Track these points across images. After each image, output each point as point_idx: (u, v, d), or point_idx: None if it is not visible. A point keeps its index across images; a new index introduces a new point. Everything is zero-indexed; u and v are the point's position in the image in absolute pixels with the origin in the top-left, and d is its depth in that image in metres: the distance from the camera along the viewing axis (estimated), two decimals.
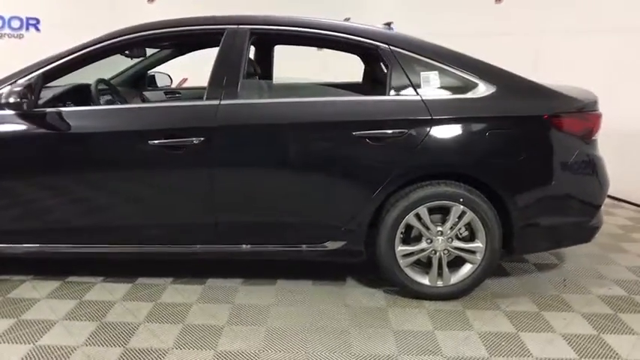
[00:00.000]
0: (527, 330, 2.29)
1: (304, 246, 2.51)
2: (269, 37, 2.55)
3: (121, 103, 2.89)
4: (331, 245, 2.49)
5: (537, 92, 2.46)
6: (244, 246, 2.51)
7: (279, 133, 2.38)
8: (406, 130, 2.33)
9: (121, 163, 2.39)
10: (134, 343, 2.12)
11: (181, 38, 2.90)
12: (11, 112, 2.34)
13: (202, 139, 2.32)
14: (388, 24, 2.89)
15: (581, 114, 2.46)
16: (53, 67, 2.41)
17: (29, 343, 2.11)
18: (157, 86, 3.92)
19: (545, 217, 2.46)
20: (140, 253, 2.52)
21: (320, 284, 2.69)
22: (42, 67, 2.40)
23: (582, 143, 2.44)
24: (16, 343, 2.12)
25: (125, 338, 2.16)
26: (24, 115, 2.33)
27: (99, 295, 2.54)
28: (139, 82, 3.60)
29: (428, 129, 2.33)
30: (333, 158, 2.38)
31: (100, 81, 2.83)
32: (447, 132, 2.35)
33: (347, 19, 2.65)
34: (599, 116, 2.48)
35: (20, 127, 2.35)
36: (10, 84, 2.37)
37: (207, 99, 2.39)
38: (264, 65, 3.31)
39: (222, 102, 2.36)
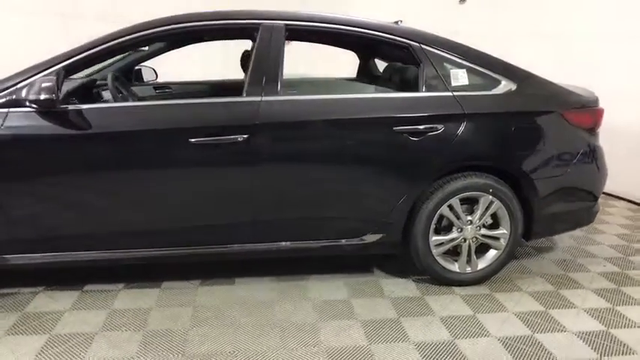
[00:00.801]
0: (554, 307, 2.50)
1: (343, 240, 2.54)
2: (302, 33, 2.53)
3: (133, 99, 2.72)
4: (369, 238, 2.54)
5: (551, 89, 2.67)
6: (284, 243, 2.49)
7: (321, 130, 2.38)
8: (443, 125, 2.44)
9: (159, 163, 2.26)
10: (191, 349, 2.05)
11: (214, 32, 2.78)
12: (31, 109, 2.13)
13: (246, 136, 2.26)
14: (396, 22, 2.98)
15: (588, 109, 2.70)
16: (76, 61, 2.23)
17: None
18: (144, 81, 3.73)
19: (561, 203, 2.69)
20: (180, 255, 2.41)
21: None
22: (63, 61, 2.21)
23: (589, 135, 2.70)
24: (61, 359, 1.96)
25: (175, 345, 2.08)
26: (52, 113, 2.13)
27: (130, 303, 2.40)
28: (127, 76, 3.40)
29: (461, 124, 2.46)
30: (374, 154, 2.42)
31: (115, 75, 2.65)
32: (478, 126, 2.49)
33: (397, 22, 2.69)
34: (602, 111, 2.74)
35: (49, 125, 2.14)
36: (28, 79, 2.16)
37: (247, 95, 2.33)
38: None
39: (264, 99, 2.32)
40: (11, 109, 2.14)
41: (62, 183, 2.21)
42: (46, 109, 2.10)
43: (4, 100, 2.15)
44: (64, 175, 2.21)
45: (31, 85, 2.09)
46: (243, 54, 3.36)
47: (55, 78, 2.07)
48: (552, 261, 3.07)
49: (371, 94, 2.58)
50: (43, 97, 2.03)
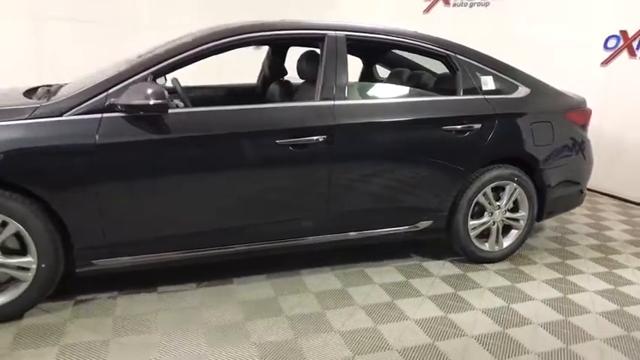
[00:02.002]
0: (570, 274, 3.01)
1: (401, 228, 2.84)
2: (360, 42, 2.78)
3: (185, 103, 2.79)
4: (422, 225, 2.88)
5: (555, 93, 3.19)
6: (352, 233, 2.74)
7: (385, 131, 2.66)
8: (480, 124, 2.83)
9: (251, 162, 2.40)
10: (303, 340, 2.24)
11: (285, 40, 2.95)
12: (126, 114, 2.17)
13: (324, 137, 2.48)
14: None
15: (582, 109, 3.26)
16: (162, 67, 2.30)
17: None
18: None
19: (562, 188, 3.21)
20: (264, 249, 2.55)
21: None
22: (151, 67, 2.27)
23: (583, 131, 3.25)
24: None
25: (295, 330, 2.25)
26: (154, 117, 2.19)
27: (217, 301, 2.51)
28: None
29: (494, 122, 2.87)
30: (429, 150, 2.76)
31: (175, 80, 2.71)
32: (506, 125, 2.92)
33: None
34: (590, 111, 3.31)
35: (153, 128, 2.20)
36: (117, 85, 2.20)
37: (321, 99, 2.55)
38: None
39: (336, 102, 2.55)
40: (104, 115, 2.17)
41: (160, 185, 2.27)
42: (157, 114, 2.16)
43: (95, 106, 2.16)
44: (162, 178, 2.27)
45: (134, 90, 2.13)
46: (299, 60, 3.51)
47: (156, 83, 2.14)
48: (547, 238, 3.61)
49: (425, 97, 2.90)
50: (152, 102, 2.09)
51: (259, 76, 3.87)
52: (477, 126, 2.83)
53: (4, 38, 4.77)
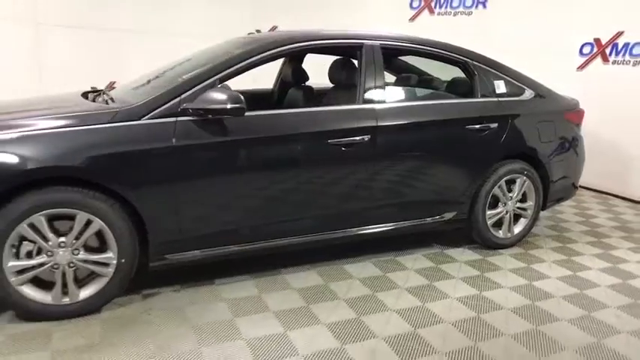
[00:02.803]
0: (574, 255, 3.40)
1: (429, 219, 3.14)
2: (391, 51, 3.05)
3: None
4: (447, 216, 3.18)
5: (554, 95, 3.58)
6: (390, 224, 3.01)
7: (419, 130, 2.95)
8: (497, 123, 3.17)
9: (308, 160, 2.63)
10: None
11: (328, 49, 3.19)
12: (198, 117, 2.36)
13: (369, 136, 2.74)
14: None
15: (577, 110, 3.67)
16: (229, 72, 2.49)
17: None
18: None
19: (563, 180, 3.61)
20: (315, 241, 2.78)
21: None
22: (220, 72, 2.46)
23: (577, 129, 3.67)
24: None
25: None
26: (230, 120, 2.38)
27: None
28: None
29: (508, 122, 3.22)
30: (456, 147, 3.08)
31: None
32: (517, 124, 3.28)
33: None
34: (583, 112, 3.73)
35: (228, 131, 2.40)
36: (188, 90, 2.37)
37: (363, 103, 2.81)
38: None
39: (377, 106, 2.82)
40: (179, 118, 2.34)
41: (231, 182, 2.47)
42: (235, 116, 2.34)
43: (169, 110, 2.33)
44: (233, 175, 2.47)
45: (209, 95, 2.31)
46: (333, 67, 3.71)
47: (229, 88, 2.34)
48: (545, 227, 4.01)
49: (449, 100, 3.21)
50: (230, 106, 2.28)
51: (276, 82, 4.08)
52: (494, 125, 3.17)
53: (5, 43, 4.77)
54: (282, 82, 3.98)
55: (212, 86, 2.41)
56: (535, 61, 5.44)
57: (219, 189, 2.45)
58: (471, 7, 6.10)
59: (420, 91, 3.52)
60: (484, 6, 5.99)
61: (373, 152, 2.79)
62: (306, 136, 2.61)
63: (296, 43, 2.70)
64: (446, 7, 6.33)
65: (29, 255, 2.17)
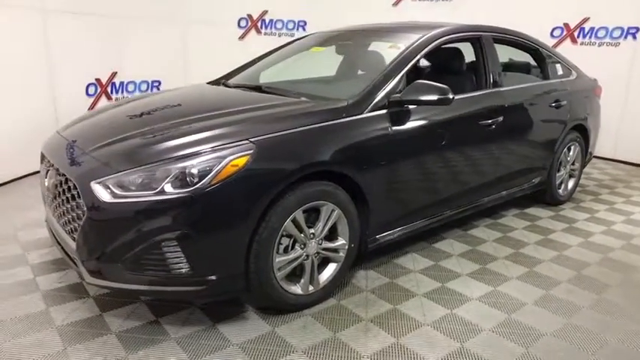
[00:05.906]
0: (616, 209, 4.22)
1: (525, 185, 3.69)
2: (499, 41, 3.47)
3: None
4: (536, 180, 3.77)
5: (584, 75, 4.32)
6: (503, 193, 3.50)
7: (527, 109, 3.45)
8: (566, 100, 3.80)
9: (465, 140, 3.00)
10: None
11: (458, 40, 3.42)
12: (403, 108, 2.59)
13: (502, 117, 3.17)
14: None
15: (599, 87, 4.47)
16: (410, 68, 2.74)
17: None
18: None
19: (593, 147, 4.41)
20: (462, 211, 3.17)
21: None
22: (405, 67, 2.70)
23: (599, 102, 4.47)
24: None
25: None
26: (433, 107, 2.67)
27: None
28: None
29: (570, 98, 3.87)
30: (546, 121, 3.64)
31: None
32: (575, 99, 3.94)
33: None
34: (601, 88, 4.54)
35: (432, 116, 2.72)
36: (386, 85, 2.58)
37: (493, 87, 3.22)
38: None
39: (503, 89, 3.26)
40: (390, 110, 2.55)
41: (434, 161, 2.80)
42: (444, 105, 2.57)
43: (382, 103, 2.53)
44: (435, 156, 2.80)
45: (417, 87, 2.53)
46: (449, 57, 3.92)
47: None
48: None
49: (540, 82, 3.75)
50: (436, 97, 2.52)
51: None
52: (564, 102, 3.79)
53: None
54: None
55: (400, 80, 2.64)
56: None
57: (424, 169, 2.74)
58: None
59: (518, 75, 3.98)
60: None
61: (502, 131, 3.22)
62: (464, 119, 2.97)
63: (447, 35, 3.01)
64: None
65: (285, 250, 2.26)
